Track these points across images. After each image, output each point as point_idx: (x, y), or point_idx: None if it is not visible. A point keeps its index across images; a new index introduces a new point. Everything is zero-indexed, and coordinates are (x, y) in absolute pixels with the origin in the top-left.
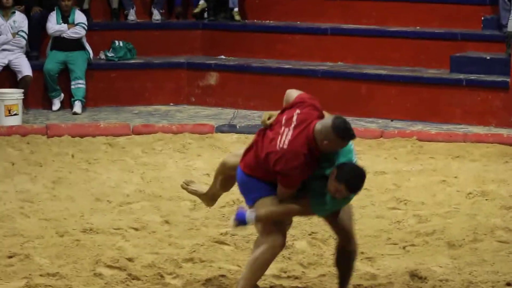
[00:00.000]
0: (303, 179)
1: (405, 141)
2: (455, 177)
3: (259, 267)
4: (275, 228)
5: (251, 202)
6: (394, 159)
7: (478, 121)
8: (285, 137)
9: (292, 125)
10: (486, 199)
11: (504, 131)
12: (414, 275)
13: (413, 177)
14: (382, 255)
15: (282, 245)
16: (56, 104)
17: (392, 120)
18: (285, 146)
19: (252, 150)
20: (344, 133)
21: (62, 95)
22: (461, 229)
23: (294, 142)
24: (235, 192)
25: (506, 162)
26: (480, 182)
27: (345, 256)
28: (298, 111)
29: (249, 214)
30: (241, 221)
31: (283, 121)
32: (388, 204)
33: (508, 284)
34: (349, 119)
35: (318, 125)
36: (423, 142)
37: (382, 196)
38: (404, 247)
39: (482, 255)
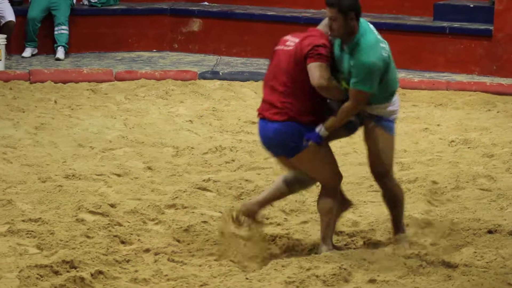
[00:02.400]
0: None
1: None
2: (438, 125)
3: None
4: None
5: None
6: None
7: (461, 69)
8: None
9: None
10: (469, 147)
11: (487, 79)
12: None
13: (398, 125)
14: (365, 202)
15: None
16: (27, 52)
17: None
18: (305, 34)
19: (267, 87)
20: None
21: (36, 50)
22: (443, 177)
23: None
24: (217, 139)
25: (488, 110)
26: (463, 130)
27: (385, 197)
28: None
29: (320, 130)
30: (318, 140)
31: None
32: None
33: (489, 231)
34: None
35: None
36: (406, 90)
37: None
38: None
39: (464, 203)
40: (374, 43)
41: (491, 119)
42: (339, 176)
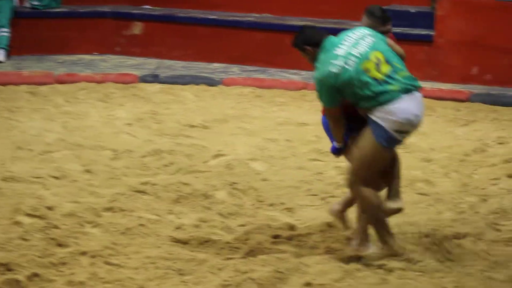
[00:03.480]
0: None
1: None
2: None
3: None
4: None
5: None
6: (317, 111)
7: None
8: None
9: None
10: (407, 152)
11: (427, 84)
12: (333, 226)
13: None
14: (302, 206)
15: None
16: None
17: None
18: None
19: None
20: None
21: None
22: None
23: None
24: (156, 142)
25: (428, 115)
26: None
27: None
28: None
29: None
30: (333, 151)
31: None
32: (309, 156)
33: (426, 235)
34: (273, 70)
35: None
36: None
37: (304, 148)
38: (324, 198)
39: None
40: (323, 60)
41: (430, 124)
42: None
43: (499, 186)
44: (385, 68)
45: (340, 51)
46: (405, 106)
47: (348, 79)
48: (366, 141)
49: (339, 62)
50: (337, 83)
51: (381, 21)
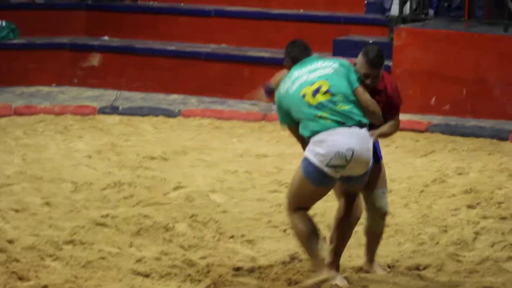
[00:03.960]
0: None
1: None
2: None
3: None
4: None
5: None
6: (276, 142)
7: None
8: None
9: None
10: None
11: None
12: (294, 257)
13: (295, 160)
14: (263, 237)
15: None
16: None
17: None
18: None
19: None
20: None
21: None
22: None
23: None
24: (116, 174)
25: (387, 146)
26: None
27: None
28: None
29: None
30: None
31: None
32: (269, 187)
33: (388, 266)
34: (231, 101)
35: None
36: None
37: (264, 179)
38: (284, 230)
39: (362, 238)
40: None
41: (390, 154)
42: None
43: (459, 216)
44: (322, 97)
45: (296, 73)
46: (335, 139)
47: (285, 101)
48: (296, 171)
49: (287, 83)
50: (280, 102)
51: (368, 63)
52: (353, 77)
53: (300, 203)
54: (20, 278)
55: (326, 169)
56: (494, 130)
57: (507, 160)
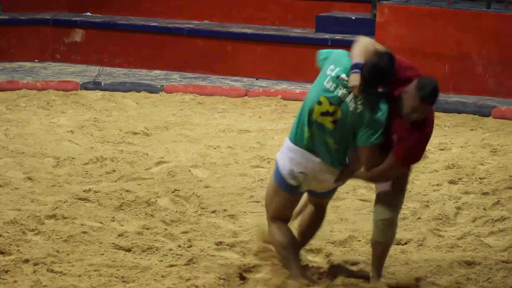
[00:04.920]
0: None
1: (270, 100)
2: None
3: None
4: None
5: None
6: (259, 117)
7: None
8: None
9: None
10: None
11: None
12: None
13: (277, 136)
14: (245, 212)
15: None
16: None
17: (257, 79)
18: None
19: None
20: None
21: None
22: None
23: None
24: (98, 149)
25: None
26: None
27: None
28: None
29: None
30: None
31: None
32: (251, 162)
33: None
34: (214, 77)
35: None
36: (288, 101)
37: (246, 155)
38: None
39: (343, 213)
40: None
41: None
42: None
43: (440, 192)
44: (326, 121)
45: (328, 69)
46: (295, 157)
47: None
48: (271, 176)
49: (323, 71)
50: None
51: (421, 98)
52: (371, 133)
53: (276, 211)
54: (2, 252)
55: (288, 178)
56: (476, 106)
57: (489, 136)
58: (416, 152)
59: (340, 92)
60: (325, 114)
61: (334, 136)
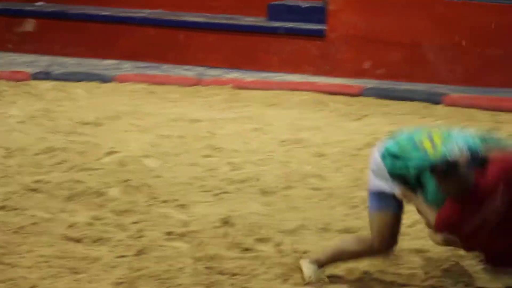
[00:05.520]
0: None
1: (221, 89)
2: (270, 125)
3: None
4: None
5: None
6: (210, 107)
7: (295, 69)
8: None
9: None
10: (300, 147)
11: (319, 79)
12: (226, 221)
13: (228, 125)
14: (195, 202)
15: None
16: None
17: (208, 68)
18: None
19: None
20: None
21: None
22: (274, 176)
23: None
24: (49, 139)
25: (320, 110)
26: (295, 130)
27: None
28: None
29: None
30: None
31: None
32: (202, 152)
33: (324, 229)
34: (165, 66)
35: None
36: (239, 90)
37: (197, 144)
38: (217, 194)
39: (294, 202)
40: None
41: (323, 118)
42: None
43: None
44: None
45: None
46: None
47: None
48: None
49: None
50: None
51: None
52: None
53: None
54: None
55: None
56: (427, 93)
57: (439, 124)
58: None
59: None
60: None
61: None
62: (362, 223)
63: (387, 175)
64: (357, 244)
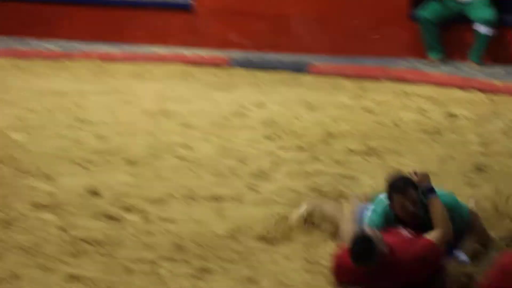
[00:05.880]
0: None
1: (88, 62)
2: (137, 96)
3: None
4: None
5: None
6: (76, 79)
7: (162, 41)
8: None
9: None
10: (167, 117)
11: (186, 51)
12: (93, 192)
13: (95, 97)
14: (62, 174)
15: None
16: None
17: (77, 42)
18: None
19: None
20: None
21: None
22: (141, 147)
23: None
24: None
25: (188, 81)
26: (162, 101)
27: None
28: None
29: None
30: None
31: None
32: (69, 124)
33: (190, 198)
34: (31, 40)
35: None
36: (106, 62)
37: (64, 116)
38: (84, 166)
39: (161, 172)
40: None
41: (191, 90)
42: None
43: (257, 148)
44: None
45: None
46: None
47: None
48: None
49: None
50: None
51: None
52: None
53: None
54: None
55: None
56: (293, 63)
57: (305, 92)
58: None
59: None
60: None
61: None
62: (229, 191)
63: None
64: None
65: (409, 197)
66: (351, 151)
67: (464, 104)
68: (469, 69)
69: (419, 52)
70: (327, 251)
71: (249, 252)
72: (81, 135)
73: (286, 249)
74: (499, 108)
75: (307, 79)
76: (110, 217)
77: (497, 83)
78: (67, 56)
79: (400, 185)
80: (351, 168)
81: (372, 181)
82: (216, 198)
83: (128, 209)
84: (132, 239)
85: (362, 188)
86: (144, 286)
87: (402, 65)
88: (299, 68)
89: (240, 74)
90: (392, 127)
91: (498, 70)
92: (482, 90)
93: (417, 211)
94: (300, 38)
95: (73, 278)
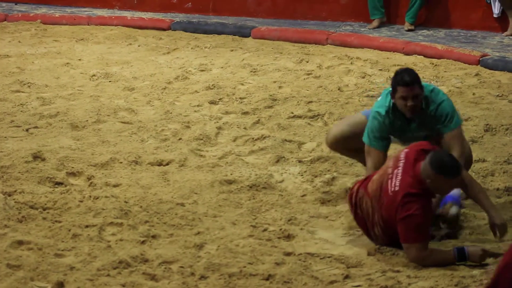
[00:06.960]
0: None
1: (29, 24)
2: (79, 59)
3: None
4: None
5: None
6: (18, 42)
7: (103, 4)
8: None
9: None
10: (110, 81)
11: (128, 14)
12: (37, 156)
13: (37, 60)
14: (6, 137)
15: None
16: None
17: (16, 4)
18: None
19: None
20: (443, 169)
21: None
22: (84, 111)
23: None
24: None
25: (129, 44)
26: (104, 64)
27: None
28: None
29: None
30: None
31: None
32: (11, 87)
33: (135, 162)
34: None
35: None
36: (47, 25)
37: (6, 80)
38: (27, 130)
39: (105, 136)
40: None
41: (132, 53)
42: None
43: (201, 112)
44: None
45: None
46: None
47: None
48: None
49: None
50: None
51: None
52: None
53: None
54: None
55: None
56: (236, 26)
57: (248, 56)
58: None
59: None
60: None
61: None
62: (173, 156)
63: None
64: None
65: (412, 92)
66: (295, 115)
67: None
68: (413, 34)
69: (363, 16)
70: (273, 217)
71: (195, 218)
72: (23, 98)
73: (232, 215)
74: (441, 72)
75: (250, 43)
76: (55, 182)
77: (439, 46)
78: (8, 18)
79: (406, 80)
80: (294, 132)
81: (316, 145)
82: (161, 163)
83: (73, 173)
84: (78, 204)
85: (305, 153)
86: (91, 252)
87: (346, 29)
88: (241, 32)
89: (182, 37)
90: (335, 92)
91: (439, 33)
92: (424, 54)
93: (418, 106)
94: (243, 2)
95: (20, 243)
